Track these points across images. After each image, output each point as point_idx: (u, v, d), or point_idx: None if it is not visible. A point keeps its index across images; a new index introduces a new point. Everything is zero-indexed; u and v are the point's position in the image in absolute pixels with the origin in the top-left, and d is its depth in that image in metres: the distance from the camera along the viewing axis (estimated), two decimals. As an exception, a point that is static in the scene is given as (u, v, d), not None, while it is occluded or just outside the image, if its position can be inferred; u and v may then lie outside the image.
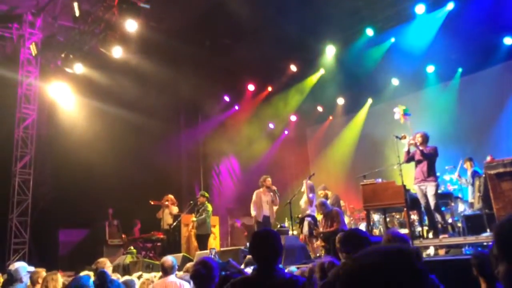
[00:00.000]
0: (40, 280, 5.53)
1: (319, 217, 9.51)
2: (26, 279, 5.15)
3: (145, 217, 11.92)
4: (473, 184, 9.05)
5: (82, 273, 5.70)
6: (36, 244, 11.65)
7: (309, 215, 9.01)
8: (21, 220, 11.67)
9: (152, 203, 11.17)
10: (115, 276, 5.86)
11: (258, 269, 2.79)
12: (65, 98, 12.41)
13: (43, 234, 11.74)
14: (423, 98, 13.13)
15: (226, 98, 15.17)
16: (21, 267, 5.19)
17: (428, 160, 7.58)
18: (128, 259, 9.05)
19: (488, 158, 8.24)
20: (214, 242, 10.76)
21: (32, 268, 5.53)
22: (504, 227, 1.41)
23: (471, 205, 8.98)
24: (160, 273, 6.28)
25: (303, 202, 9.20)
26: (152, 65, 11.53)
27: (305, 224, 8.92)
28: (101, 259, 6.39)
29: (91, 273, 5.79)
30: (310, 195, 9.26)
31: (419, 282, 0.99)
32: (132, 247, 9.85)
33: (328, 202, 9.52)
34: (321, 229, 8.58)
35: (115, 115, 12.23)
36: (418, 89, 13.24)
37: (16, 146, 11.93)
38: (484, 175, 7.92)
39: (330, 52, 12.57)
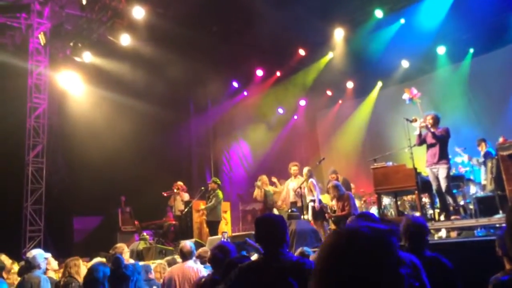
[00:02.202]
0: (49, 267, 5.67)
1: (327, 200, 9.53)
2: (43, 266, 5.27)
3: (157, 203, 12.03)
4: (485, 165, 8.97)
5: (95, 260, 5.80)
6: (51, 231, 11.85)
7: (312, 200, 9.01)
8: (36, 208, 11.86)
9: (165, 194, 11.25)
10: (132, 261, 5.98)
11: (265, 253, 2.83)
12: (75, 87, 12.48)
13: (58, 222, 11.93)
14: (434, 80, 13.01)
15: (235, 84, 15.11)
16: (38, 254, 5.30)
17: (440, 141, 7.50)
18: (141, 245, 9.17)
19: (501, 139, 8.15)
20: (226, 228, 10.84)
21: (48, 255, 5.64)
22: None
23: (483, 187, 8.91)
24: (171, 257, 6.42)
25: (306, 189, 9.20)
26: (160, 52, 11.51)
27: (309, 209, 8.94)
28: (119, 245, 6.51)
29: (104, 259, 5.90)
30: (314, 181, 9.27)
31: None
32: (144, 234, 9.96)
33: (339, 185, 9.54)
34: (333, 212, 8.61)
35: (125, 103, 12.28)
36: (428, 71, 13.10)
37: (28, 135, 12.06)
38: (496, 157, 7.86)
39: (338, 35, 12.42)
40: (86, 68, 12.18)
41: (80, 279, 5.09)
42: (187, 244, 5.26)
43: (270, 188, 10.38)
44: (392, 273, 1.08)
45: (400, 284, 1.09)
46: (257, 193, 10.24)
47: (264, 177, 10.42)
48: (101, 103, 12.24)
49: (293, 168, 9.71)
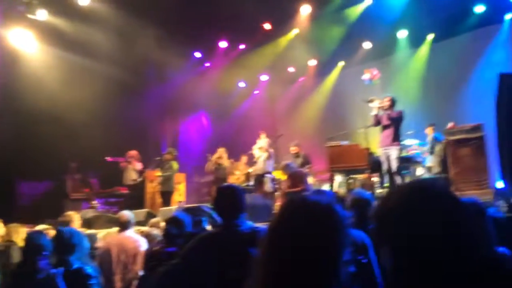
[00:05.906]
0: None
1: (281, 176, 9.62)
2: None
3: (109, 171, 11.78)
4: (432, 150, 9.31)
5: (38, 227, 5.60)
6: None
7: (268, 172, 9.09)
8: (-20, 170, 11.38)
9: (108, 159, 10.93)
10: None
11: (223, 224, 2.86)
12: (28, 46, 11.86)
13: (2, 185, 11.48)
14: (393, 63, 13.22)
15: (197, 54, 14.81)
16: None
17: (394, 124, 7.71)
18: (90, 213, 8.98)
19: (449, 125, 8.43)
20: (179, 199, 10.78)
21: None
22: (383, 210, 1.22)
23: (429, 169, 9.27)
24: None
25: (261, 159, 9.24)
26: (119, 14, 11.05)
27: (266, 180, 9.02)
28: (69, 213, 6.26)
29: (49, 227, 5.70)
30: (271, 150, 9.38)
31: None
32: (94, 202, 9.74)
33: (298, 160, 9.64)
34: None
35: (81, 65, 11.82)
36: (389, 53, 13.27)
37: (-25, 94, 11.46)
38: (444, 140, 8.14)
39: (305, 11, 12.34)
40: (41, 27, 11.58)
41: (21, 243, 4.92)
42: (125, 214, 5.08)
43: (228, 162, 10.36)
44: (341, 239, 1.18)
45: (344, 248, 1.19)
46: (208, 165, 10.26)
47: (221, 150, 10.38)
48: (56, 64, 11.71)
49: (292, 148, 9.75)
